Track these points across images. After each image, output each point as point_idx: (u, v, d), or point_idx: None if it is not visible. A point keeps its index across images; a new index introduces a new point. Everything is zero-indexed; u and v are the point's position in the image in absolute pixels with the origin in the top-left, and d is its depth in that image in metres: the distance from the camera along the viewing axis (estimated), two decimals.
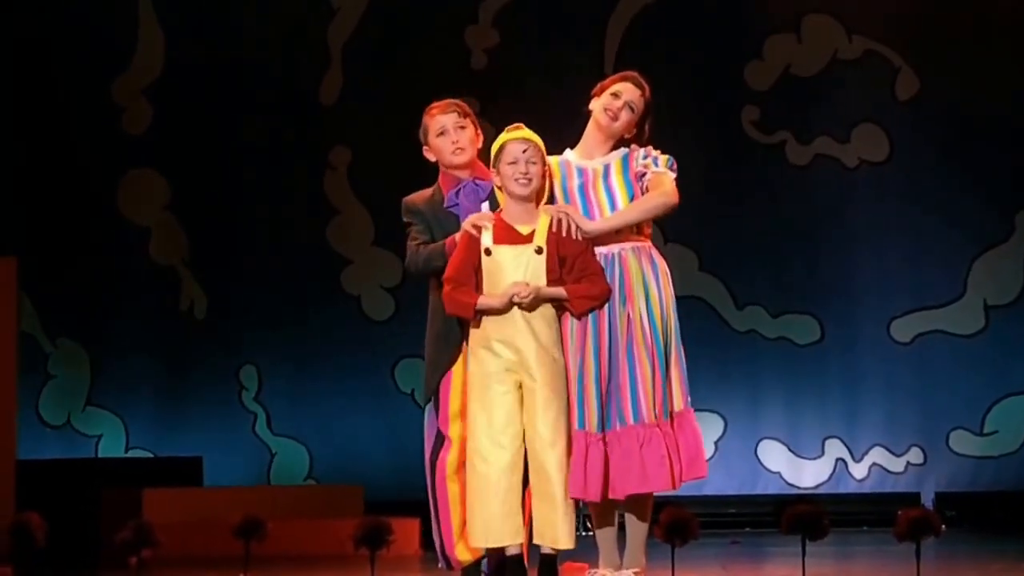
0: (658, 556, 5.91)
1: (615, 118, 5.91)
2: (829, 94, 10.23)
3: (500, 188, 5.91)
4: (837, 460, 10.11)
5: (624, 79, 6.00)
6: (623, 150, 5.95)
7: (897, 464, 10.08)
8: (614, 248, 5.84)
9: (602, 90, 6.00)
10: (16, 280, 9.05)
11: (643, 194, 5.88)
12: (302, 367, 10.16)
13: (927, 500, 9.92)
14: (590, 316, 5.78)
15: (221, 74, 10.35)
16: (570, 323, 5.82)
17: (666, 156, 5.94)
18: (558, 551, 5.69)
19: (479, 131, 6.03)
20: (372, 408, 9.23)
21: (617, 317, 5.79)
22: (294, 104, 10.16)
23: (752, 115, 10.28)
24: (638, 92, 5.95)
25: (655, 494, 5.75)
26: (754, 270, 10.28)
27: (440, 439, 5.83)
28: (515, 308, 5.73)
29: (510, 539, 5.63)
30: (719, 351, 10.03)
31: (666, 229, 9.38)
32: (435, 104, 6.04)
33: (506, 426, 5.67)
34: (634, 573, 5.77)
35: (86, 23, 10.40)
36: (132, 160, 10.38)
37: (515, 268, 5.81)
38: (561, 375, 5.72)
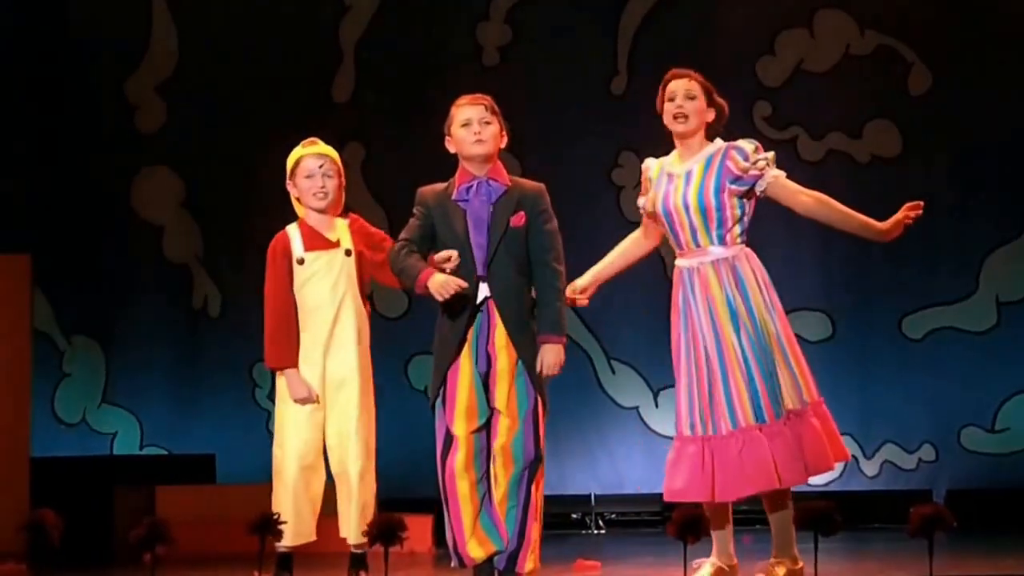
0: (671, 553, 5.93)
1: (684, 116, 5.96)
2: (841, 89, 10.22)
3: (298, 200, 6.27)
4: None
5: (669, 80, 6.09)
6: (710, 150, 5.98)
7: (909, 461, 10.07)
8: (693, 262, 5.91)
9: (661, 105, 6.08)
10: (30, 277, 9.08)
11: (731, 193, 5.87)
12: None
13: (938, 497, 9.91)
14: (683, 327, 5.91)
15: (234, 72, 10.37)
16: (672, 327, 5.96)
17: (769, 153, 5.94)
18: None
19: (504, 132, 6.05)
20: (385, 405, 9.17)
21: (707, 329, 5.86)
22: (307, 101, 10.18)
23: (764, 111, 10.28)
24: (685, 80, 6.04)
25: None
26: (765, 266, 10.21)
27: (449, 438, 5.88)
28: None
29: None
30: None
31: None
32: (464, 96, 6.07)
33: None
34: (787, 568, 5.80)
35: (100, 21, 10.42)
36: (146, 158, 10.41)
37: (328, 272, 6.16)
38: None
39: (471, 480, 5.85)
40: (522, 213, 5.93)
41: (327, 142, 6.54)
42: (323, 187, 6.32)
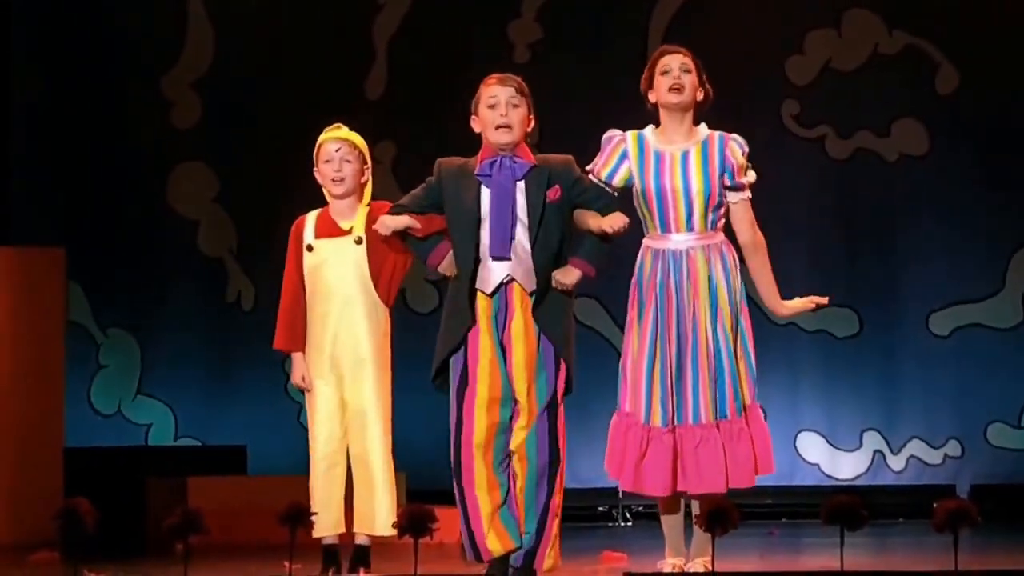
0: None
1: (680, 88, 5.85)
2: (869, 88, 10.24)
3: (322, 186, 6.16)
4: (875, 452, 10.12)
5: (661, 54, 5.95)
6: (703, 133, 5.90)
7: (935, 456, 10.08)
8: (682, 245, 5.85)
9: (649, 80, 5.96)
10: (64, 270, 9.14)
11: (722, 185, 5.84)
12: None
13: (962, 492, 9.92)
14: (656, 308, 5.80)
15: (268, 68, 10.43)
16: (637, 312, 5.85)
17: (752, 173, 5.90)
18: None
19: (532, 115, 5.77)
20: (415, 398, 9.22)
21: (686, 312, 5.81)
22: (340, 99, 10.22)
23: (792, 109, 10.30)
24: (679, 55, 5.92)
25: None
26: (793, 263, 10.29)
27: (461, 423, 5.74)
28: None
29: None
30: (758, 344, 9.92)
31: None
32: (494, 75, 5.84)
33: None
34: (704, 563, 5.82)
35: (136, 18, 10.49)
36: (181, 154, 10.47)
37: (337, 261, 6.08)
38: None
39: (489, 467, 5.67)
40: (557, 186, 5.64)
41: None
42: (339, 171, 6.20)
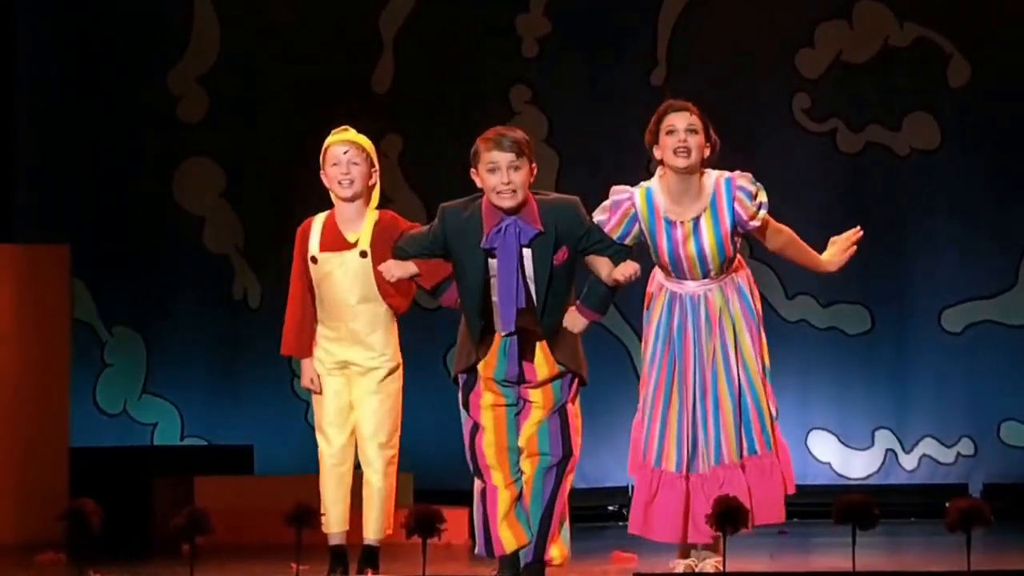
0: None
1: (688, 152, 5.77)
2: (880, 82, 10.18)
3: (330, 189, 6.11)
4: (887, 451, 10.07)
5: (667, 111, 5.85)
6: (710, 188, 5.81)
7: (947, 455, 10.03)
8: (699, 290, 5.83)
9: (654, 136, 5.86)
10: (68, 268, 9.11)
11: (738, 233, 5.81)
12: None
13: (975, 491, 9.86)
14: (673, 353, 5.78)
15: (275, 63, 10.39)
16: (651, 351, 5.83)
17: (763, 195, 5.85)
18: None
19: (534, 168, 5.67)
20: (423, 396, 9.21)
21: (704, 354, 5.79)
22: (347, 93, 10.18)
23: (803, 103, 10.24)
24: (687, 113, 5.82)
25: None
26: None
27: (475, 427, 5.79)
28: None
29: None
30: (768, 341, 9.96)
31: None
32: (492, 134, 5.66)
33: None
34: (716, 563, 5.80)
35: (141, 11, 10.45)
36: (187, 149, 10.43)
37: (342, 274, 6.00)
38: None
39: (506, 465, 5.70)
40: (564, 248, 5.62)
41: (366, 134, 6.45)
42: (347, 174, 6.13)
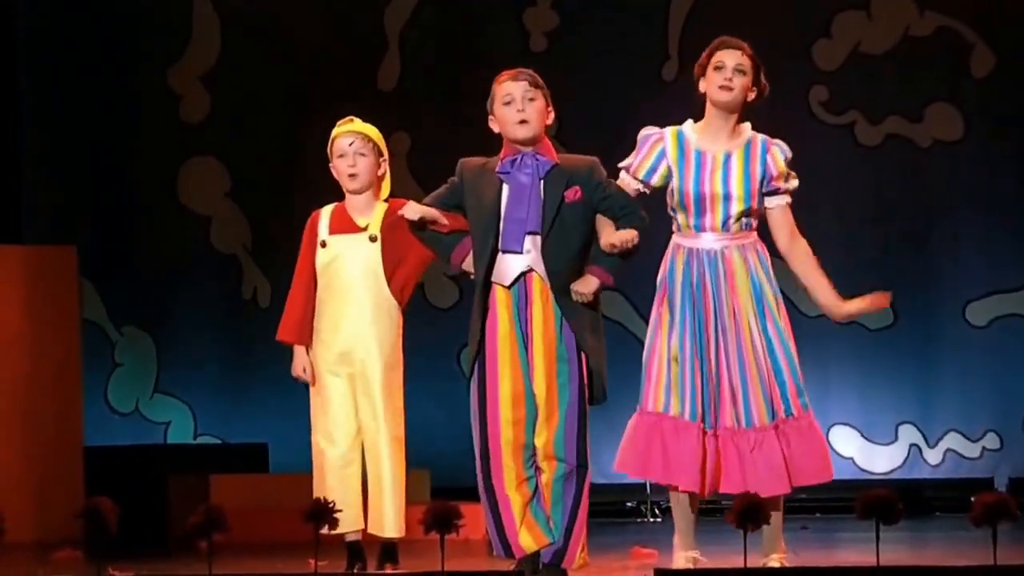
0: (731, 541, 5.86)
1: (730, 88, 5.74)
2: (900, 72, 10.11)
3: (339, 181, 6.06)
4: (911, 446, 10.01)
5: (719, 46, 5.83)
6: (747, 134, 5.79)
7: (972, 450, 9.97)
8: (716, 245, 5.75)
9: (703, 68, 5.83)
10: (76, 269, 9.14)
11: (761, 191, 5.72)
12: None
13: (1001, 486, 9.81)
14: (691, 308, 5.69)
15: (278, 59, 10.35)
16: (667, 311, 5.74)
17: (795, 180, 5.78)
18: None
19: (551, 107, 5.70)
20: (438, 394, 9.21)
21: (724, 312, 5.71)
22: (352, 89, 10.14)
23: (821, 95, 10.18)
24: (738, 52, 5.81)
25: None
26: (824, 253, 10.14)
27: (485, 425, 5.73)
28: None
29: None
30: None
31: None
32: (505, 71, 5.73)
33: None
34: (779, 558, 5.75)
35: (141, 10, 10.43)
36: (191, 148, 10.41)
37: (351, 257, 5.98)
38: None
39: (519, 464, 5.62)
40: (577, 187, 5.60)
41: None
42: (353, 166, 6.12)
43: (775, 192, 5.79)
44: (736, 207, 5.74)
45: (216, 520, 5.50)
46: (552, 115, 5.70)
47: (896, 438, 10.02)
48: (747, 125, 5.87)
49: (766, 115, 10.29)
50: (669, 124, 5.77)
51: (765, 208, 5.82)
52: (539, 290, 5.60)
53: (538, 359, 5.60)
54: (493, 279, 5.62)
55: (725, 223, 5.74)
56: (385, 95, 10.31)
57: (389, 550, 6.23)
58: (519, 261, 5.59)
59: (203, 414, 10.27)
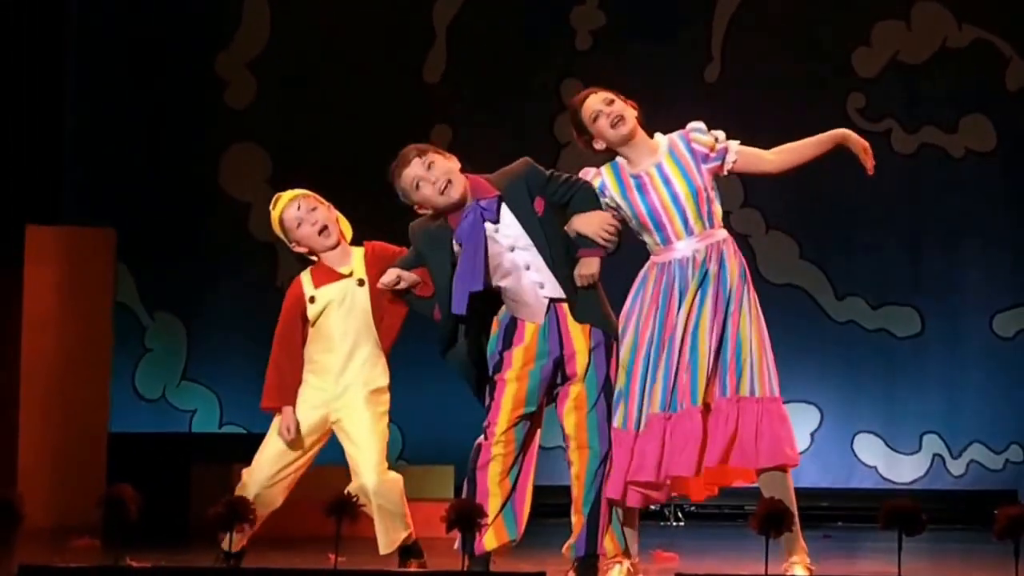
0: (753, 548, 5.85)
1: (621, 117, 5.78)
2: (937, 83, 10.09)
3: (308, 253, 6.13)
4: (934, 456, 9.97)
5: (579, 104, 5.87)
6: (665, 142, 5.84)
7: (996, 461, 9.93)
8: (687, 252, 5.77)
9: (583, 129, 5.87)
10: (114, 252, 9.12)
11: (708, 172, 5.76)
12: (393, 349, 10.15)
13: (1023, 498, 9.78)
14: (655, 316, 5.72)
15: (324, 49, 10.37)
16: (633, 324, 5.75)
17: (722, 134, 5.83)
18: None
19: (445, 155, 5.83)
20: (462, 390, 9.19)
21: (691, 304, 5.72)
22: (397, 82, 10.16)
23: (858, 102, 10.16)
24: (592, 94, 5.86)
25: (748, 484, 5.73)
26: (855, 260, 10.16)
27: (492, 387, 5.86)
28: None
29: None
30: (817, 341, 9.92)
31: (767, 217, 9.32)
32: (401, 160, 5.83)
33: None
34: (801, 561, 5.73)
35: None
36: (234, 134, 10.42)
37: (341, 303, 6.05)
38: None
39: (502, 471, 5.71)
40: (539, 199, 5.68)
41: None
42: (316, 223, 6.11)
43: (722, 156, 5.79)
44: (689, 207, 5.76)
45: (238, 512, 5.49)
46: (457, 164, 5.84)
47: (920, 448, 9.99)
48: (658, 135, 5.89)
49: (804, 121, 10.31)
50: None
51: (729, 172, 5.84)
52: (566, 314, 5.70)
53: (581, 352, 5.68)
54: (522, 317, 5.72)
55: (687, 226, 5.77)
56: (430, 87, 10.32)
57: (410, 547, 6.23)
58: (537, 294, 5.68)
59: (229, 403, 10.28)
